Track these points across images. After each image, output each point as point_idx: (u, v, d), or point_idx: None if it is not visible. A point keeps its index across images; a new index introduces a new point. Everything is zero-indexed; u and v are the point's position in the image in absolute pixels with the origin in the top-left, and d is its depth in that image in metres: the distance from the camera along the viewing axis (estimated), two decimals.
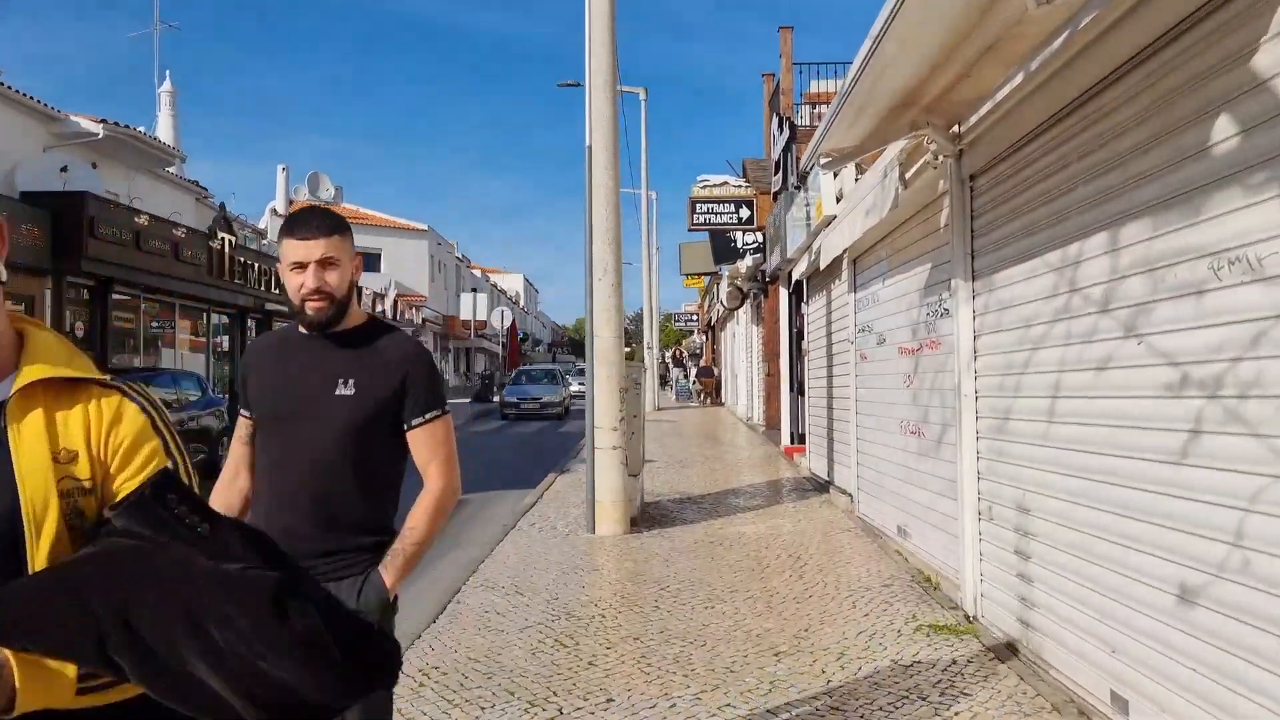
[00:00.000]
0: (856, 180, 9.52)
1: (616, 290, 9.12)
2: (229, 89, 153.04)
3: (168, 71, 28.12)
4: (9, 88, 18.64)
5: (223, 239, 20.50)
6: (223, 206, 22.16)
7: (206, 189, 26.98)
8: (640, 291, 34.83)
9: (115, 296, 17.57)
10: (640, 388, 9.84)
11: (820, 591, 6.89)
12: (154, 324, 19.55)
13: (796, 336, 15.65)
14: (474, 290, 49.08)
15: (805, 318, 13.97)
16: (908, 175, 7.02)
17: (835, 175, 10.15)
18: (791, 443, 16.24)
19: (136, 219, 17.09)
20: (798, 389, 15.77)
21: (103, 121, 20.71)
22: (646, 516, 10.09)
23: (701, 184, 20.41)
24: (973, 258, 6.21)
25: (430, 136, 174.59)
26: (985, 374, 5.98)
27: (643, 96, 29.79)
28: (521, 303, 78.58)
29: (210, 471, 15.00)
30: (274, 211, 40.04)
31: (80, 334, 16.82)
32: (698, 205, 20.25)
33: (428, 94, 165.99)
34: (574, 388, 31.74)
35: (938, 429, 7.02)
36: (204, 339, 21.81)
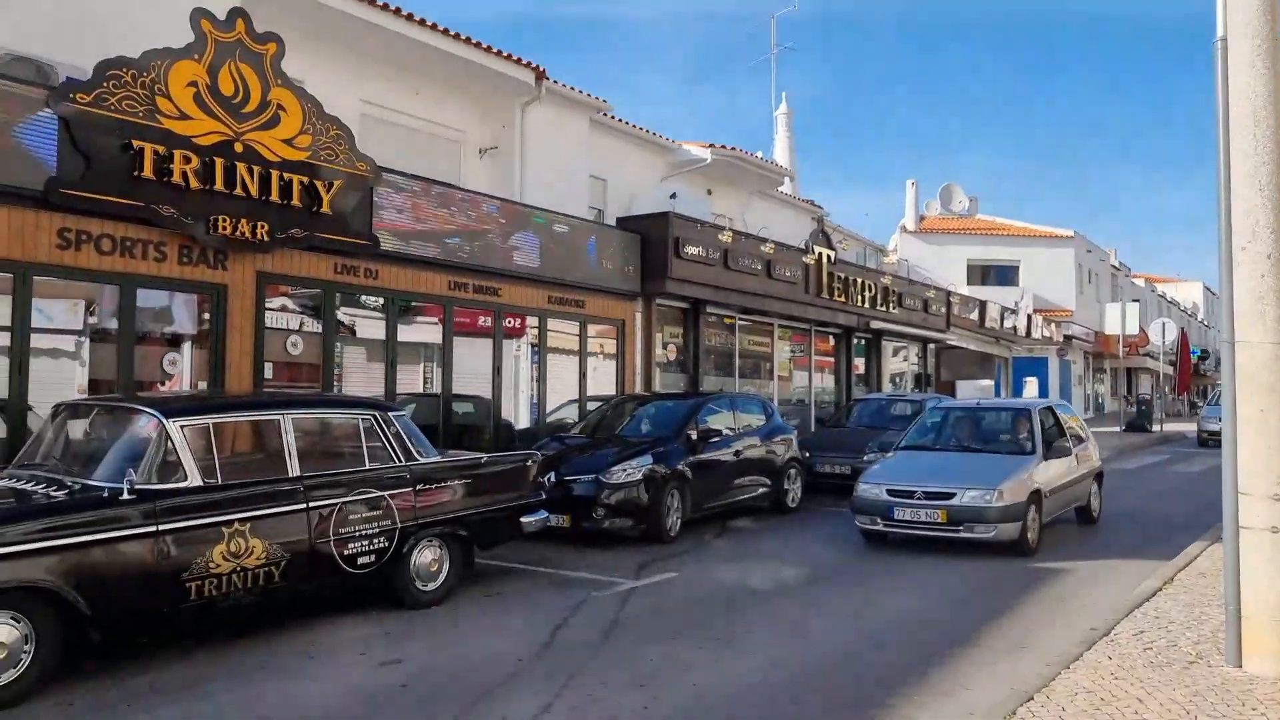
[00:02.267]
0: None
1: (1278, 266, 5.47)
2: (875, 116, 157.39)
3: (784, 94, 28.27)
4: (628, 124, 19.61)
5: (820, 254, 19.32)
6: (820, 220, 21.09)
7: (821, 206, 26.45)
8: None
9: (708, 316, 17.22)
10: None
11: None
12: (751, 344, 19.03)
13: None
14: (1135, 300, 42.57)
15: None
16: None
17: None
18: None
19: (720, 236, 16.53)
20: None
21: (710, 146, 21.01)
22: None
23: None
24: None
25: (1092, 141, 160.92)
26: None
27: None
28: (1200, 315, 67.43)
29: (777, 507, 13.66)
30: (903, 229, 38.87)
31: (673, 357, 16.74)
32: None
33: (1091, 97, 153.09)
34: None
35: None
36: (806, 358, 20.87)
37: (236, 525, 6.21)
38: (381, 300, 11.78)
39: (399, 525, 7.24)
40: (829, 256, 19.77)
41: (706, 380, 17.11)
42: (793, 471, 13.16)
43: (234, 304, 10.10)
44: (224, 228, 9.68)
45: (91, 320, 9.37)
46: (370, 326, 11.90)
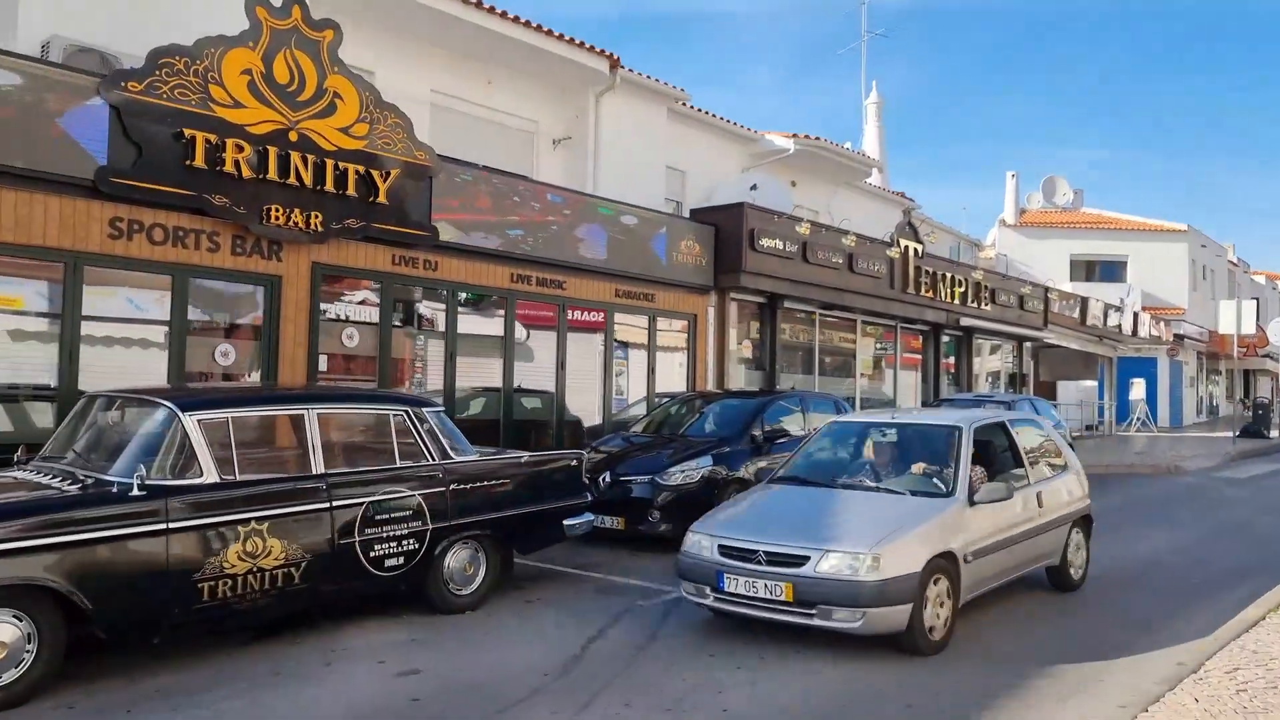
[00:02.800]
0: None
1: None
2: (974, 107, 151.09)
3: (874, 82, 27.31)
4: (708, 113, 19.10)
5: (906, 247, 18.52)
6: (907, 213, 20.25)
7: (912, 199, 25.52)
8: None
9: (786, 310, 16.62)
10: None
11: None
12: (838, 340, 18.36)
13: None
14: (1253, 298, 40.08)
15: None
16: None
17: None
18: None
19: (798, 228, 15.92)
20: None
21: (793, 136, 20.36)
22: None
23: None
24: None
25: (1207, 131, 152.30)
26: None
27: None
28: None
29: None
30: (1002, 222, 37.36)
31: (749, 353, 16.21)
32: None
33: (1206, 86, 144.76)
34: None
35: None
36: (893, 355, 20.07)
37: (254, 524, 5.98)
38: (444, 292, 11.57)
39: (430, 526, 6.94)
40: (916, 250, 18.94)
41: (786, 378, 16.54)
42: None
43: (288, 295, 9.98)
44: (277, 218, 9.56)
45: None
46: (435, 320, 11.73)
